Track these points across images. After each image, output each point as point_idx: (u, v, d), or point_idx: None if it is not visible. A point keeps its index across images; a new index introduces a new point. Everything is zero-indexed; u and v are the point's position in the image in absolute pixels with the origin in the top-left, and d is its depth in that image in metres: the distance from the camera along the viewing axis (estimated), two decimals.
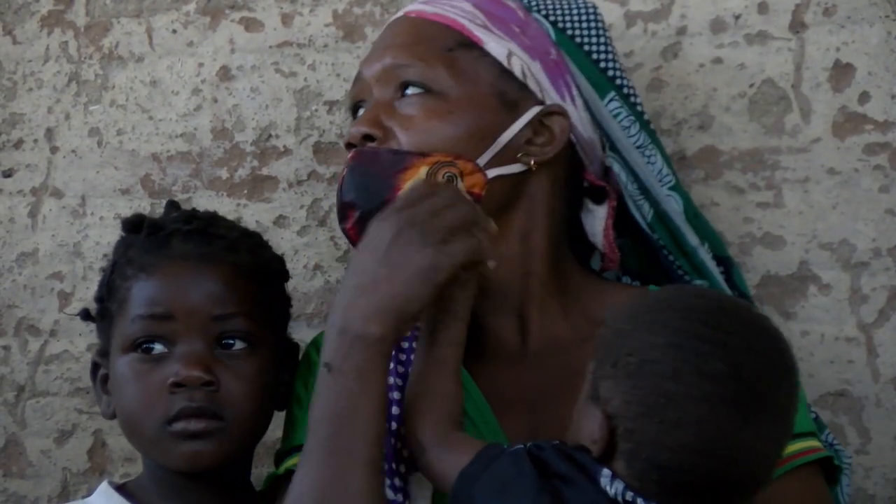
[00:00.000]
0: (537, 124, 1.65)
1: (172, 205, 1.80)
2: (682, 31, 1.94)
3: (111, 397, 1.66)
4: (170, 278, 1.64)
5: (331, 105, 2.10)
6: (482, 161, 1.60)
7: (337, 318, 1.46)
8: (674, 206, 1.73)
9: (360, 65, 1.70)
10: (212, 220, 1.74)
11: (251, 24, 2.14)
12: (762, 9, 1.91)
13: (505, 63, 1.65)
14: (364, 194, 1.58)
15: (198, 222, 1.71)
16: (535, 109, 1.65)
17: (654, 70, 1.95)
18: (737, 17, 1.92)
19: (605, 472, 1.30)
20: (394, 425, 1.55)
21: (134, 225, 1.72)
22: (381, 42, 1.70)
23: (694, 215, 1.75)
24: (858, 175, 1.87)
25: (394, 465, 1.53)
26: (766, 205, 1.90)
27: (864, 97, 1.87)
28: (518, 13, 1.70)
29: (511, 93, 1.65)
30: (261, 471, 2.10)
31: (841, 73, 1.88)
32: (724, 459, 1.27)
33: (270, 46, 2.13)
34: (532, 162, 1.64)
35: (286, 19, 2.12)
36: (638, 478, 1.29)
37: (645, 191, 1.73)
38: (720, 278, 1.75)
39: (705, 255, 1.74)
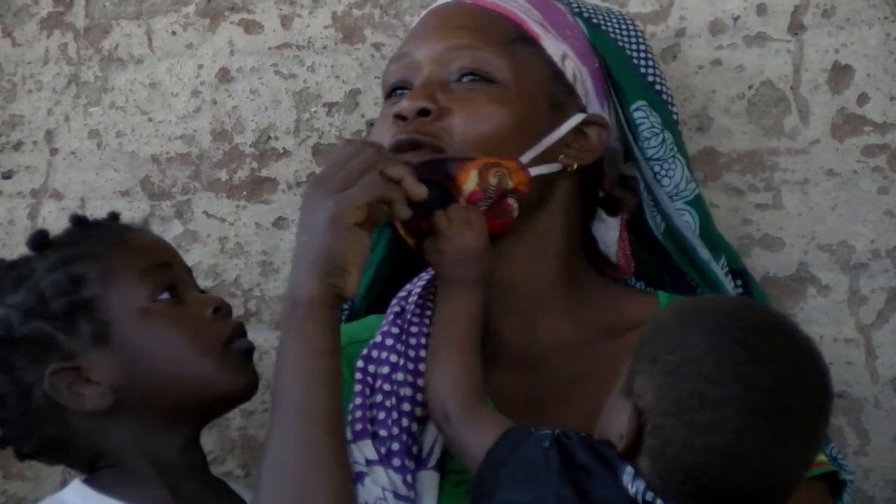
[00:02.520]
0: (576, 130, 1.65)
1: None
2: (680, 32, 1.94)
3: (102, 384, 1.66)
4: (144, 241, 1.75)
5: (330, 107, 2.10)
6: (525, 159, 1.59)
7: (287, 296, 1.52)
8: (687, 219, 1.73)
9: (407, 46, 1.66)
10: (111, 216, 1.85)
11: (250, 26, 2.14)
12: (761, 10, 1.91)
13: (559, 64, 1.65)
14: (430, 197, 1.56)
15: (97, 219, 1.82)
16: (579, 117, 1.65)
17: None
18: (735, 19, 1.92)
19: (629, 469, 1.30)
20: (405, 422, 1.55)
21: (40, 240, 1.74)
22: (434, 23, 1.66)
23: (711, 228, 1.75)
24: (857, 177, 1.87)
25: (406, 462, 1.54)
26: (765, 206, 1.91)
27: (863, 99, 1.87)
28: (567, 16, 1.71)
29: (559, 95, 1.64)
30: None
31: (840, 74, 1.88)
32: (751, 471, 1.27)
33: (270, 48, 2.13)
34: (575, 165, 1.65)
35: (285, 21, 2.12)
36: (661, 477, 1.29)
37: (657, 204, 1.73)
38: (733, 293, 1.74)
39: (718, 269, 1.74)
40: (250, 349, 1.71)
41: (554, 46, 1.65)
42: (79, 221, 1.77)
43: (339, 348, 1.51)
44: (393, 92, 1.67)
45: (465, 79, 1.60)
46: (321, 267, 1.48)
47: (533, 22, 1.65)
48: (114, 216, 1.83)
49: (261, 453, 1.50)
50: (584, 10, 1.74)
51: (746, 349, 1.28)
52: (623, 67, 1.71)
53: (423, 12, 1.72)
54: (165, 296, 1.68)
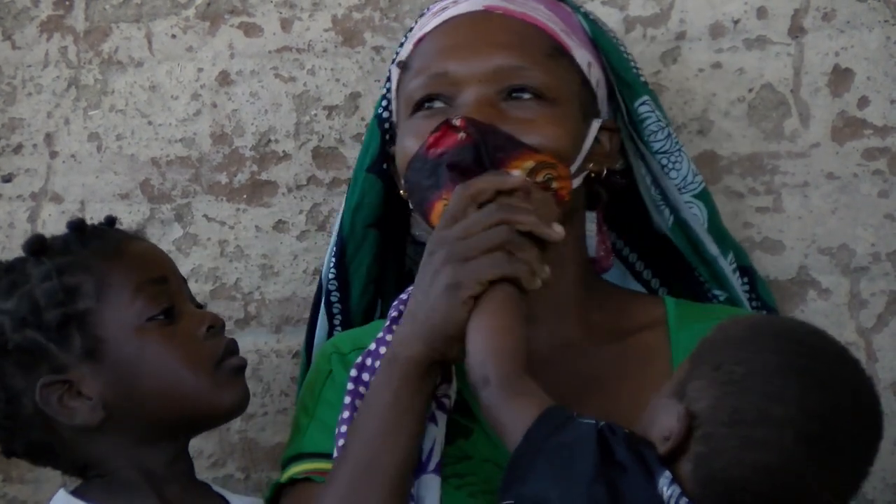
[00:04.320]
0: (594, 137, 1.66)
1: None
2: (681, 35, 1.94)
3: (93, 399, 1.65)
4: (140, 253, 1.72)
5: (330, 110, 2.10)
6: (573, 169, 1.61)
7: (389, 347, 1.52)
8: (696, 213, 1.73)
9: (441, 61, 1.63)
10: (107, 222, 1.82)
11: (250, 29, 2.14)
12: (761, 14, 1.91)
13: (586, 73, 1.66)
14: (473, 161, 1.54)
15: (95, 224, 1.78)
16: (597, 123, 1.66)
17: (653, 75, 1.95)
18: (736, 22, 1.92)
19: (667, 473, 1.29)
20: None
21: (37, 245, 1.71)
22: (470, 38, 1.63)
23: (719, 223, 1.76)
24: (858, 180, 1.87)
25: None
26: (766, 210, 1.91)
27: (864, 102, 1.87)
28: (574, 17, 1.71)
29: (586, 103, 1.66)
30: (260, 475, 2.10)
31: (840, 77, 1.88)
32: (793, 493, 1.28)
33: (270, 51, 2.13)
34: (604, 171, 1.66)
35: (285, 24, 2.12)
36: (701, 484, 1.29)
37: (665, 197, 1.73)
38: (740, 290, 1.75)
39: (726, 265, 1.75)
40: (242, 366, 1.70)
41: (581, 55, 1.65)
42: (76, 228, 1.74)
43: (424, 410, 1.50)
44: (422, 105, 1.64)
45: (514, 95, 1.60)
46: (431, 333, 1.47)
47: (560, 31, 1.65)
48: (111, 221, 1.81)
49: (319, 497, 1.49)
50: (579, 4, 1.74)
51: (814, 377, 1.28)
52: (624, 64, 1.72)
53: (443, 17, 1.67)
54: (160, 315, 1.66)
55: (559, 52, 1.64)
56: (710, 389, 1.30)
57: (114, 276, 1.67)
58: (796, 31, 1.90)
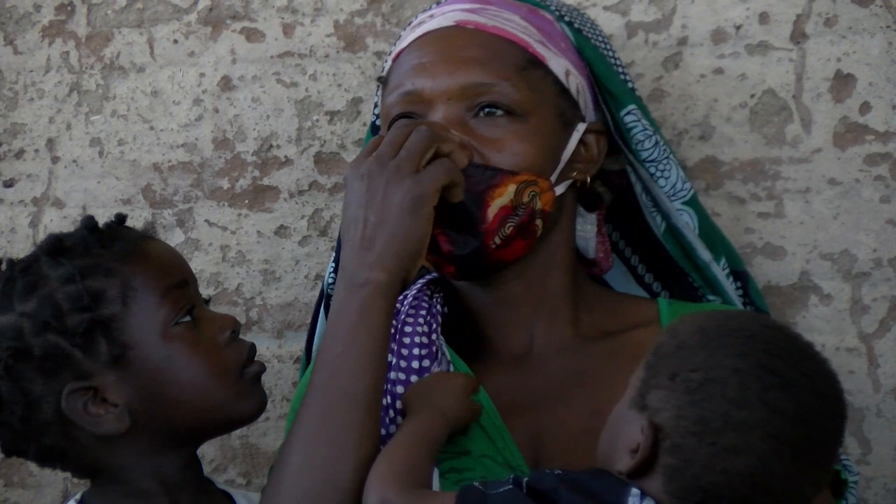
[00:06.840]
0: (579, 141, 1.66)
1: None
2: (683, 41, 1.94)
3: (119, 406, 1.63)
4: (162, 257, 1.69)
5: (332, 115, 2.10)
6: (553, 178, 1.61)
7: (343, 276, 1.50)
8: (686, 220, 1.73)
9: (412, 79, 1.63)
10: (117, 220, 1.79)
11: (252, 35, 2.14)
12: (763, 19, 1.91)
13: (564, 81, 1.65)
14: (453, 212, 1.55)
15: (108, 223, 1.75)
16: (581, 127, 1.66)
17: (654, 80, 1.95)
18: (738, 28, 1.92)
19: (634, 491, 1.28)
20: (401, 420, 1.56)
21: (57, 245, 1.67)
22: (440, 56, 1.63)
23: (710, 229, 1.76)
24: (859, 185, 1.87)
25: None
26: (767, 215, 1.91)
27: (865, 107, 1.87)
28: (556, 26, 1.71)
29: (567, 111, 1.65)
30: (261, 480, 2.11)
31: (842, 83, 1.88)
32: (772, 494, 1.27)
33: (271, 57, 2.13)
34: (588, 179, 1.66)
35: (287, 30, 2.12)
36: (676, 496, 1.28)
37: (656, 204, 1.74)
38: (734, 294, 1.75)
39: (718, 270, 1.75)
40: (262, 372, 1.69)
41: (557, 64, 1.65)
42: (91, 228, 1.70)
43: (389, 332, 1.50)
44: (396, 122, 1.65)
45: (483, 111, 1.60)
46: (399, 251, 1.48)
47: (535, 42, 1.64)
48: (121, 219, 1.76)
49: (291, 431, 1.49)
50: (564, 13, 1.73)
51: (772, 374, 1.27)
52: (610, 73, 1.71)
53: (417, 32, 1.68)
54: (185, 318, 1.64)
55: (532, 64, 1.63)
56: (671, 399, 1.28)
57: (138, 280, 1.64)
58: (798, 36, 1.90)
